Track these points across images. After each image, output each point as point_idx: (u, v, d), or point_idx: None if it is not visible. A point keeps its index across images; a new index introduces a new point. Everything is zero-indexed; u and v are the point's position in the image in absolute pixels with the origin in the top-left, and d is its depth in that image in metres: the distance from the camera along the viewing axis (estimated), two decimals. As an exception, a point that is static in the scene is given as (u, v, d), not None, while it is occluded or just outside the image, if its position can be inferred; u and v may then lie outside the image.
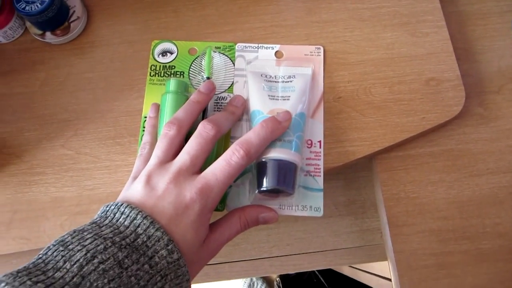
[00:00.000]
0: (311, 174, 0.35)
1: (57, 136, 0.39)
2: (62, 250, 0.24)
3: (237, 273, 0.51)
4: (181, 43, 0.40)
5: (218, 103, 0.38)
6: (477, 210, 0.37)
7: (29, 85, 0.40)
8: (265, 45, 0.40)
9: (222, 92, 0.38)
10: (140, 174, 0.30)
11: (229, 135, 0.36)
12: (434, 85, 0.39)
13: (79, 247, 0.24)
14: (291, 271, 0.51)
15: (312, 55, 0.39)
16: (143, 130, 0.37)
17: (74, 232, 0.25)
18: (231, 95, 0.38)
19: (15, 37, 0.42)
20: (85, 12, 0.42)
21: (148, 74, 0.39)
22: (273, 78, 0.37)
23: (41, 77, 0.41)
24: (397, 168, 0.39)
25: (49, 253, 0.24)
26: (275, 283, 1.07)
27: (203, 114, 0.36)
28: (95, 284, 0.23)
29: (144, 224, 0.26)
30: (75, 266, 0.23)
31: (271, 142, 0.32)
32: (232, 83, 0.38)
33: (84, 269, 0.23)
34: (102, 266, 0.23)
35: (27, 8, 0.37)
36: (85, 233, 0.25)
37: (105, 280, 0.23)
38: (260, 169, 0.32)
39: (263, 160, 0.32)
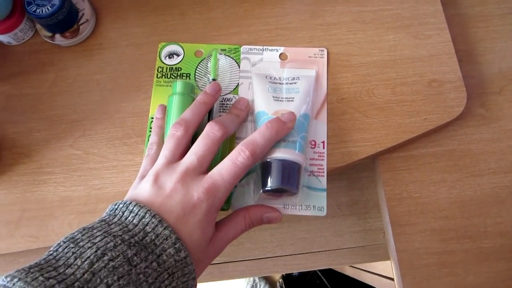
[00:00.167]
0: (315, 174, 0.35)
1: (65, 136, 0.39)
2: (72, 247, 0.24)
3: (241, 273, 0.51)
4: (187, 45, 0.41)
5: (224, 104, 0.38)
6: (478, 210, 0.38)
7: (38, 86, 0.41)
8: (270, 48, 0.40)
9: (228, 93, 0.38)
10: (148, 174, 0.30)
11: (235, 136, 0.37)
12: (436, 86, 0.39)
13: (89, 244, 0.24)
14: (295, 270, 0.52)
15: (316, 57, 0.40)
16: (150, 131, 0.38)
17: (84, 229, 0.26)
18: (236, 96, 0.38)
19: (25, 39, 0.42)
20: (93, 15, 0.42)
21: (155, 75, 0.40)
22: (277, 80, 0.37)
23: (50, 78, 0.41)
24: (399, 168, 0.39)
25: (60, 249, 0.24)
26: (277, 284, 1.06)
27: (209, 115, 0.36)
28: (105, 281, 0.23)
29: (153, 222, 0.26)
30: (85, 262, 0.23)
31: (275, 142, 0.32)
32: (237, 85, 0.39)
33: (94, 266, 0.23)
34: (112, 263, 0.24)
35: (37, 11, 0.38)
36: (95, 231, 0.25)
37: (115, 277, 0.23)
38: (265, 169, 0.33)
39: (268, 160, 0.33)
